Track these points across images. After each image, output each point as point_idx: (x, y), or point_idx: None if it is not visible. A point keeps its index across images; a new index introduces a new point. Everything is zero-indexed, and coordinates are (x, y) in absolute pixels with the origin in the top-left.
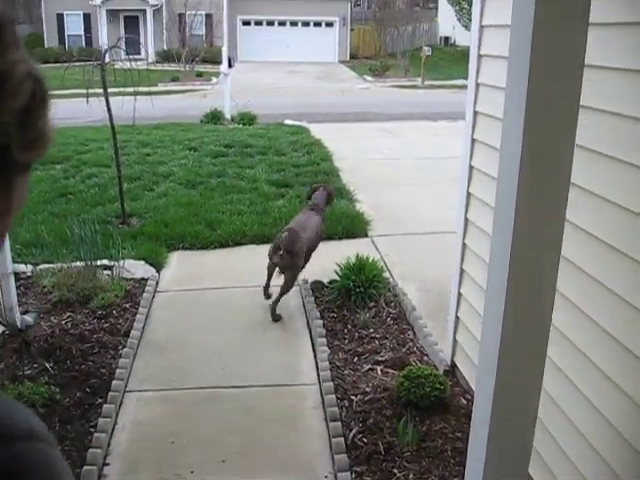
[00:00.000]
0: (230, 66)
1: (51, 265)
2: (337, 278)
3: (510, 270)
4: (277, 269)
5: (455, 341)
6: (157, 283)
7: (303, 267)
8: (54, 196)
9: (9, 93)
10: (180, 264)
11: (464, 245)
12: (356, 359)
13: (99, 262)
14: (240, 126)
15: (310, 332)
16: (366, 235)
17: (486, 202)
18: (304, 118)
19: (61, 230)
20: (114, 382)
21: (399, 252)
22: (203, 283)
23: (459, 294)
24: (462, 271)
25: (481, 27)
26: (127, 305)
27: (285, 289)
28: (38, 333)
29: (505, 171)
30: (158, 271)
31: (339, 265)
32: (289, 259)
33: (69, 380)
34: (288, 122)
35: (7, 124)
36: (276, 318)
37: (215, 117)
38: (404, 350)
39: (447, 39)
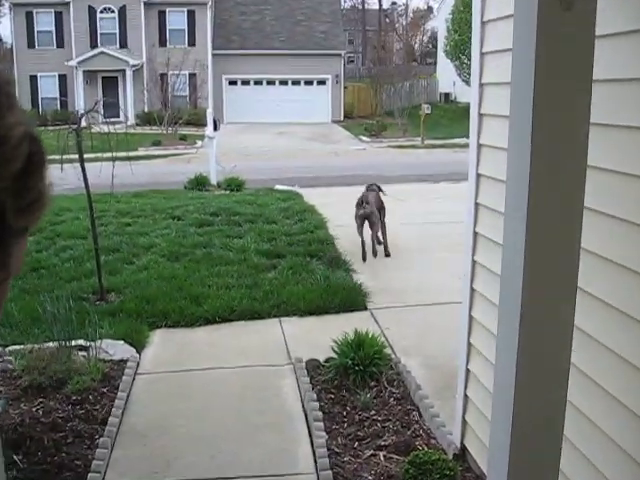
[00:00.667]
0: (216, 129)
1: (21, 346)
2: (334, 356)
3: (520, 345)
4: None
5: (465, 422)
6: (138, 364)
7: (380, 219)
8: (25, 271)
9: (5, 158)
10: (163, 343)
11: (471, 317)
12: (357, 444)
13: (74, 342)
14: (227, 192)
15: (306, 416)
16: (365, 308)
17: (493, 271)
18: (296, 182)
19: (32, 307)
20: (90, 475)
21: (401, 325)
22: (188, 364)
23: (467, 370)
24: (470, 345)
25: (481, 85)
26: (105, 389)
27: (376, 229)
28: (6, 422)
29: (510, 236)
30: (139, 351)
31: (336, 341)
32: (369, 207)
33: (40, 474)
34: (279, 187)
35: (2, 189)
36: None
37: (200, 183)
38: (409, 433)
39: (447, 95)
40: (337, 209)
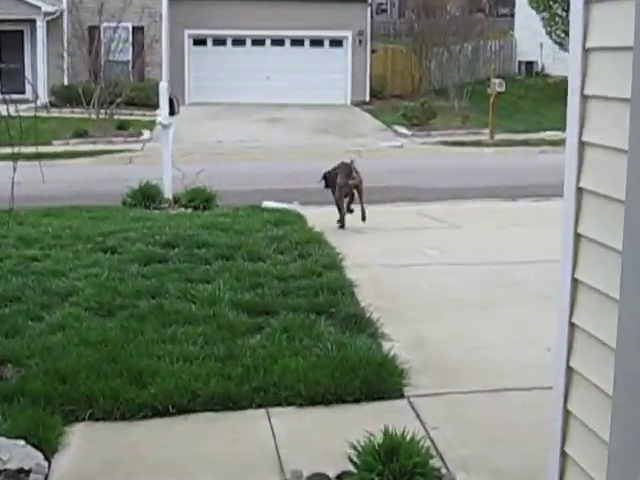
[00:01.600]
0: (173, 112)
1: None
2: (352, 469)
3: None
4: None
5: None
6: (46, 478)
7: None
8: None
9: None
10: (86, 446)
11: (567, 413)
12: None
13: None
14: (189, 211)
15: None
16: (401, 395)
17: (602, 340)
18: (295, 198)
19: None
20: None
21: (457, 423)
22: None
23: None
24: (564, 456)
25: (585, 51)
26: None
27: (364, 200)
28: None
29: (635, 286)
30: (48, 457)
31: (355, 447)
32: (359, 177)
33: None
34: (268, 204)
35: None
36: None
37: (147, 196)
38: None
39: (530, 65)
40: (359, 241)
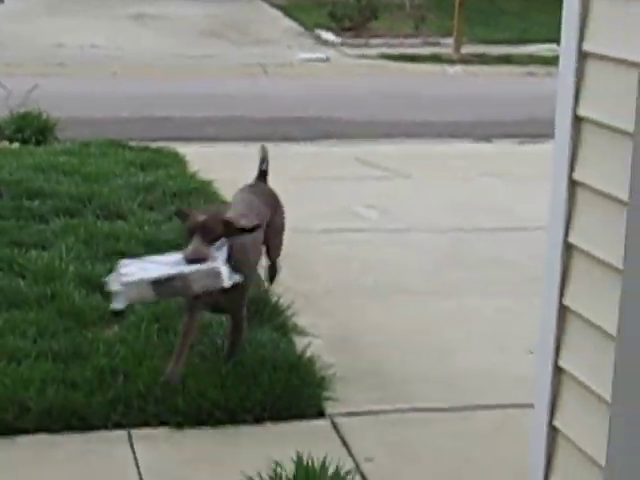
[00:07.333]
0: None
1: None
2: None
3: None
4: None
5: None
6: None
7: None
8: None
9: None
10: None
11: (552, 429)
12: None
13: None
14: (16, 146)
15: None
16: (321, 413)
17: (604, 329)
18: (172, 131)
19: None
20: None
21: (399, 454)
22: None
23: None
24: None
25: None
26: None
27: (276, 254)
28: None
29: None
30: None
31: None
32: (279, 214)
33: None
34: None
35: None
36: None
37: None
38: None
39: None
40: None
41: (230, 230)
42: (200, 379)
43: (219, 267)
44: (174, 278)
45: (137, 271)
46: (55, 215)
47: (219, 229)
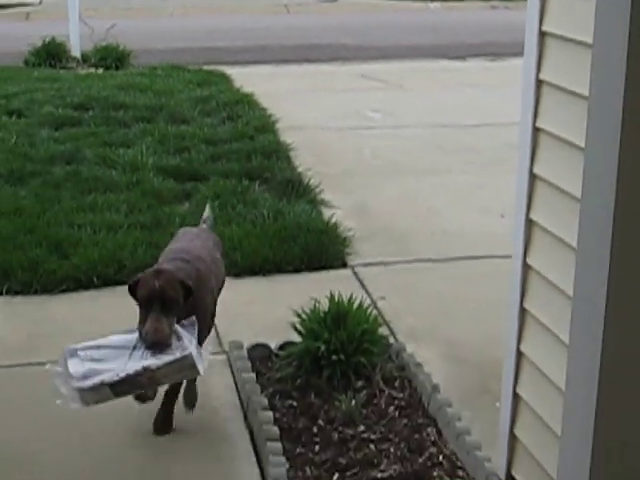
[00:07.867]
0: None
1: None
2: (297, 339)
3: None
4: None
5: (514, 438)
6: None
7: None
8: None
9: None
10: (5, 321)
11: (527, 267)
12: (337, 477)
13: None
14: (100, 71)
15: (252, 434)
16: (344, 264)
17: (565, 190)
18: (218, 57)
19: None
20: None
21: (405, 293)
22: (51, 354)
23: (519, 354)
24: (523, 313)
25: None
26: None
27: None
28: None
29: (597, 135)
30: None
31: (300, 315)
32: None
33: None
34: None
35: None
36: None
37: (53, 54)
38: (421, 461)
39: None
40: (293, 102)
41: (190, 293)
42: (252, 240)
43: (191, 354)
44: (139, 374)
45: (89, 371)
46: (135, 121)
47: (180, 295)
